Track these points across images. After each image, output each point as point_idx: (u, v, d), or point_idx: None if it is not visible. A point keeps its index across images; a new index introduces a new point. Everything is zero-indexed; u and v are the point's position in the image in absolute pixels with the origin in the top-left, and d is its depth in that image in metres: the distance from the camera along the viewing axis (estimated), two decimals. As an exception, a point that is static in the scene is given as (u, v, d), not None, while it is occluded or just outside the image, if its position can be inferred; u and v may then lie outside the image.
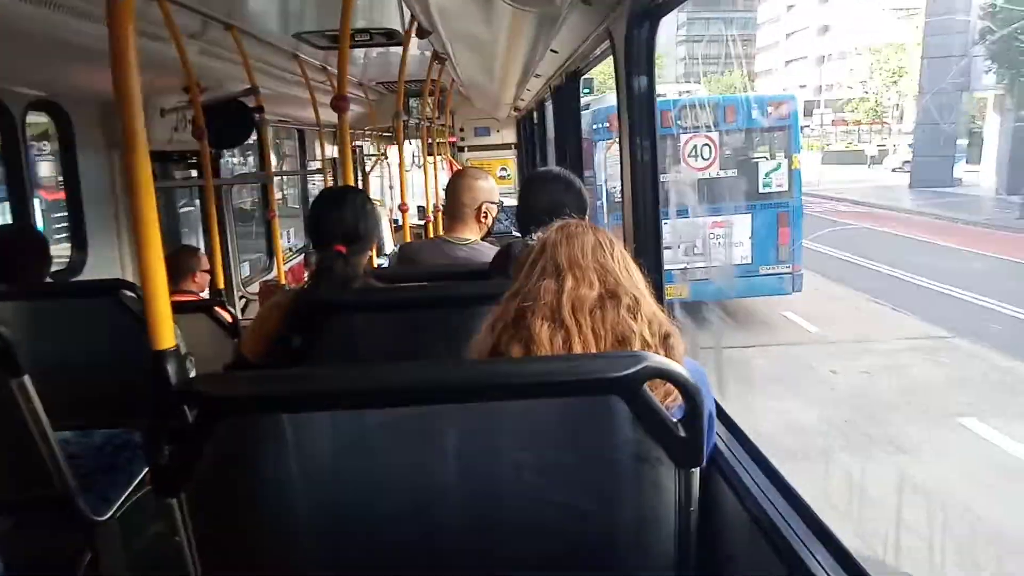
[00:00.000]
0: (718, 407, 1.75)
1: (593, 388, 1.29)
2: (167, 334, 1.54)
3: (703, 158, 10.41)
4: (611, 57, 3.34)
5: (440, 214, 4.41)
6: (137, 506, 2.64)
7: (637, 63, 2.13)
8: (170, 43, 3.30)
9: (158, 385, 1.53)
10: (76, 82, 3.60)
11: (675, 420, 1.30)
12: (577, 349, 1.44)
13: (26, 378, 2.18)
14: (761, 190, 10.31)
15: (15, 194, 3.59)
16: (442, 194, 3.66)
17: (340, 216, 2.24)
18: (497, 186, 3.02)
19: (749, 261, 10.26)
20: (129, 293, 2.68)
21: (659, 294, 1.68)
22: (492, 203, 2.88)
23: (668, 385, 1.38)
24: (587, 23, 2.50)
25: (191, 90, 3.73)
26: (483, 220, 2.86)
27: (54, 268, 3.71)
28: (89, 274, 3.94)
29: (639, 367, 1.24)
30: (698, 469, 1.33)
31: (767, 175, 10.32)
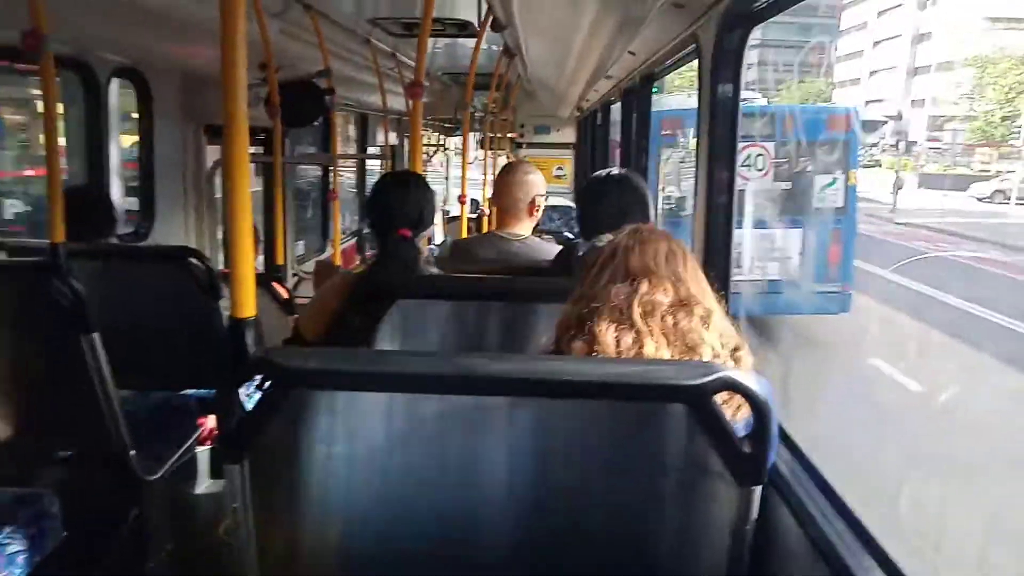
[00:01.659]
0: (779, 425, 1.71)
1: (661, 394, 1.26)
2: (249, 303, 1.57)
3: (756, 168, 10.07)
4: (684, 62, 3.33)
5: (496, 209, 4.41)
6: (184, 468, 2.70)
7: (724, 71, 2.09)
8: (252, 20, 3.36)
9: (236, 352, 1.56)
10: (160, 52, 3.70)
11: (741, 435, 1.27)
12: (648, 350, 1.42)
13: (95, 335, 2.25)
14: (816, 205, 10.08)
15: (94, 159, 3.69)
16: None
17: (405, 200, 2.27)
18: (550, 184, 3.00)
19: (798, 278, 10.01)
20: (196, 261, 2.74)
21: (727, 302, 1.65)
22: (542, 196, 2.87)
23: (734, 399, 1.36)
24: (673, 26, 2.46)
25: (268, 68, 3.79)
26: (534, 214, 2.85)
27: (122, 231, 3.83)
28: (153, 240, 4.04)
29: (711, 377, 1.21)
30: (759, 487, 1.30)
31: (822, 190, 10.03)
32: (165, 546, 2.72)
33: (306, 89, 4.34)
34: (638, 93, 3.92)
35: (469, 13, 4.29)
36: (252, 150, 4.94)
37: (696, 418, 1.24)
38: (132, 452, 2.40)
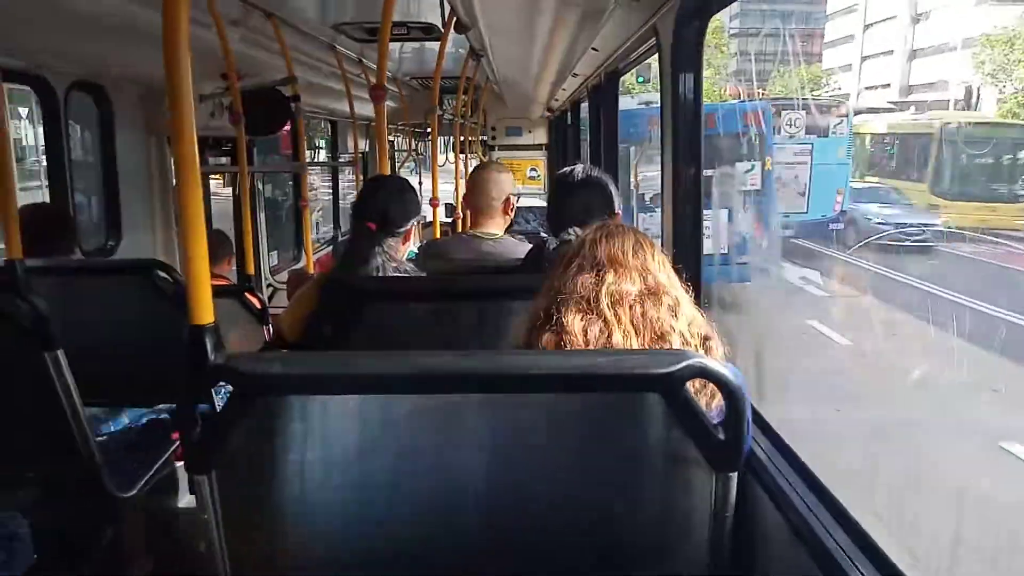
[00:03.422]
0: (754, 411, 1.72)
1: (633, 384, 1.26)
2: (206, 309, 1.55)
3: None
4: (646, 56, 3.34)
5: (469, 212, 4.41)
6: (160, 485, 2.66)
7: (684, 63, 2.10)
8: (212, 29, 3.32)
9: (194, 360, 1.53)
10: (120, 65, 3.64)
11: (715, 422, 1.27)
12: (617, 339, 1.42)
13: (60, 352, 2.20)
14: (738, 188, 12.13)
15: (55, 173, 3.63)
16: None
17: (376, 197, 2.33)
18: (524, 185, 3.02)
19: (726, 251, 11.78)
20: (163, 274, 2.70)
21: (697, 299, 1.66)
22: (515, 195, 2.89)
23: (707, 388, 1.36)
24: (632, 20, 2.47)
25: (230, 77, 3.75)
26: (508, 214, 2.86)
27: (89, 247, 3.77)
28: (122, 255, 3.98)
29: (682, 365, 1.21)
30: (735, 473, 1.30)
31: (743, 175, 12.15)
32: (144, 565, 2.67)
33: (270, 97, 4.29)
34: (604, 90, 3.94)
35: (433, 16, 4.27)
36: (219, 160, 4.93)
37: (669, 407, 1.25)
38: (104, 470, 2.36)
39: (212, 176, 5.87)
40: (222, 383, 1.28)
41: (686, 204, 2.21)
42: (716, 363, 1.25)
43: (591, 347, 1.43)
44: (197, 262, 1.51)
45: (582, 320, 1.44)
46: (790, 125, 13.70)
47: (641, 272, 1.49)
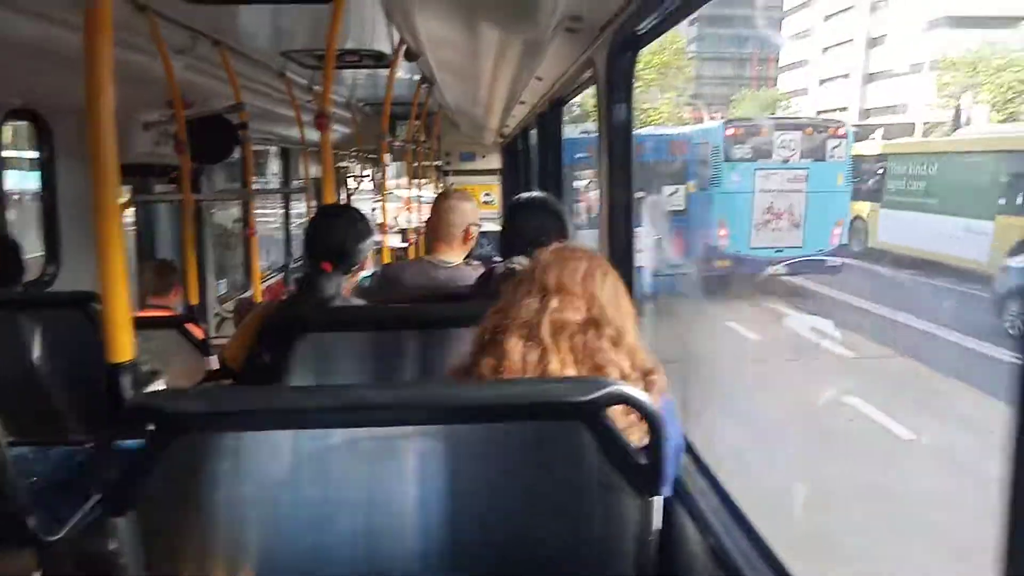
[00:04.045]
0: (686, 440, 1.74)
1: (555, 412, 1.27)
2: (125, 346, 1.51)
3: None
4: (587, 86, 3.41)
5: (422, 237, 4.41)
6: (90, 527, 2.56)
7: (617, 92, 2.16)
8: (156, 57, 3.28)
9: (112, 399, 1.49)
10: (57, 92, 3.57)
11: (637, 448, 1.28)
12: (554, 367, 1.42)
13: None
14: (665, 209, 12.99)
15: (-10, 202, 3.53)
16: (425, 217, 3.66)
17: (329, 233, 2.28)
18: (483, 210, 3.03)
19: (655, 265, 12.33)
20: (98, 306, 2.63)
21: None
22: (476, 225, 2.89)
23: (633, 415, 1.37)
24: (571, 51, 2.53)
25: (175, 104, 3.71)
26: (468, 242, 2.86)
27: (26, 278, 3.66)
28: (61, 287, 3.87)
29: (601, 392, 1.23)
30: (660, 498, 1.31)
31: (668, 197, 13.20)
32: None
33: (217, 125, 4.25)
34: (549, 117, 4.00)
35: (384, 44, 4.30)
36: (164, 188, 4.84)
37: (591, 433, 1.26)
38: (30, 511, 2.27)
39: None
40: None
41: (620, 223, 2.26)
42: (634, 390, 1.27)
43: (528, 373, 1.43)
44: (115, 299, 1.48)
45: (522, 345, 1.44)
46: (783, 147, 12.62)
47: (587, 300, 1.48)
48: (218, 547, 1.33)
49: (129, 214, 4.55)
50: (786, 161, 12.61)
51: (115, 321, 1.49)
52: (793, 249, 12.58)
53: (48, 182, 3.88)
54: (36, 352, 2.68)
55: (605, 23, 2.05)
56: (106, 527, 2.69)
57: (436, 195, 3.18)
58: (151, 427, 1.21)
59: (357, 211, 2.48)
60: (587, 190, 12.21)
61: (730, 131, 12.78)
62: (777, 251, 12.64)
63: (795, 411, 7.83)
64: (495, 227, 8.96)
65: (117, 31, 1.49)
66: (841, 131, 12.81)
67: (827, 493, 5.69)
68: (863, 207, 15.32)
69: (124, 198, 4.27)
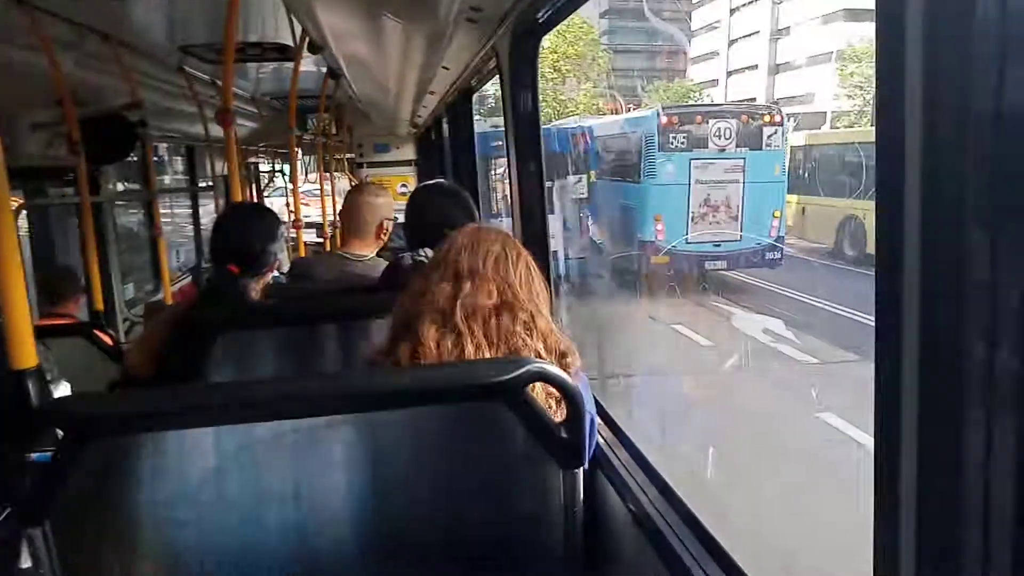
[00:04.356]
0: (602, 410, 1.82)
1: (477, 393, 1.32)
2: (28, 353, 1.46)
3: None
4: (492, 75, 3.44)
5: (337, 231, 4.36)
6: (5, 543, 2.45)
7: (522, 80, 2.20)
8: (40, 53, 3.12)
9: (18, 407, 1.45)
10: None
11: (557, 423, 1.35)
12: (469, 352, 1.45)
13: None
14: (571, 197, 13.30)
15: None
16: (339, 211, 3.62)
17: (234, 234, 2.21)
18: (395, 202, 3.02)
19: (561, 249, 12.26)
20: None
21: (551, 296, 1.73)
22: (390, 219, 2.89)
23: (552, 397, 1.43)
24: (474, 41, 2.56)
25: (64, 103, 3.54)
26: (381, 237, 2.86)
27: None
28: None
29: (520, 371, 1.28)
30: (582, 470, 1.38)
31: (573, 186, 13.47)
32: None
33: (112, 123, 4.08)
34: (459, 107, 4.02)
35: (287, 36, 4.21)
36: (62, 190, 4.61)
37: (514, 411, 1.31)
38: None
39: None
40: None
41: (532, 209, 2.31)
42: (551, 367, 1.33)
43: (444, 359, 1.45)
44: (14, 304, 1.43)
45: (436, 331, 1.45)
46: (719, 136, 11.89)
47: (499, 284, 1.50)
48: (142, 551, 1.32)
49: (23, 219, 4.31)
50: (722, 150, 11.99)
51: (15, 327, 1.44)
52: (731, 243, 12.00)
53: None
54: None
55: (504, 13, 2.08)
56: (14, 544, 2.59)
57: (349, 188, 3.14)
58: (62, 434, 1.20)
59: (266, 208, 2.42)
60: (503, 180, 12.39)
61: (664, 119, 12.05)
62: (715, 245, 12.03)
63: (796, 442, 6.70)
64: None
65: None
66: (777, 118, 12.20)
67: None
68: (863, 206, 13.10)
69: (15, 203, 4.04)
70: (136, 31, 3.88)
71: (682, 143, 12.00)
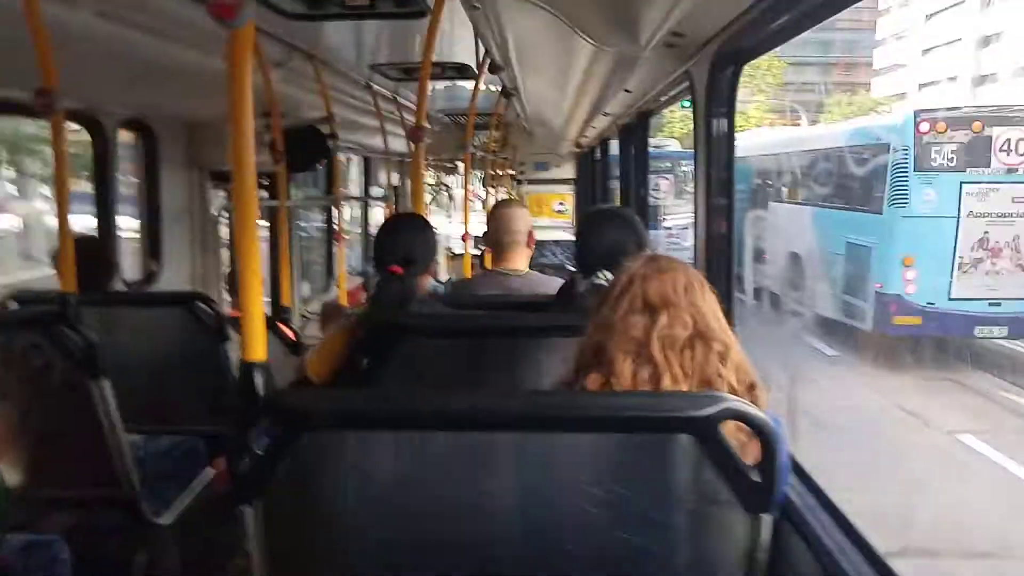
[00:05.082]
0: (792, 458, 1.72)
1: (669, 426, 1.28)
2: (260, 346, 1.59)
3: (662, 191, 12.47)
4: (678, 99, 3.39)
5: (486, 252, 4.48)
6: (195, 512, 2.70)
7: (717, 107, 2.14)
8: (256, 70, 3.44)
9: (246, 395, 1.58)
10: (166, 104, 3.78)
11: (749, 465, 1.28)
12: (666, 384, 1.42)
13: (105, 381, 2.27)
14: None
15: (103, 206, 3.76)
16: None
17: (397, 239, 2.35)
18: (554, 219, 3.06)
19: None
20: (203, 306, 2.77)
21: (730, 324, 1.66)
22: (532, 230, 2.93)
23: (742, 433, 1.36)
24: (667, 65, 2.52)
25: (273, 115, 3.87)
26: (530, 247, 2.89)
27: (131, 278, 3.88)
28: (162, 286, 4.09)
29: (718, 408, 1.24)
30: (770, 516, 1.30)
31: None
32: None
33: (309, 134, 4.42)
34: (635, 129, 4.00)
35: (467, 56, 4.39)
36: (259, 194, 5.04)
37: (704, 448, 1.26)
38: (141, 496, 2.41)
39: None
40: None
41: (718, 237, 2.24)
42: (751, 407, 1.27)
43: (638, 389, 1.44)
44: (252, 300, 1.57)
45: (632, 363, 1.43)
46: (1008, 150, 8.47)
47: (693, 314, 1.47)
48: (327, 538, 1.39)
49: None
50: (1012, 170, 8.51)
51: (251, 322, 1.58)
52: (1018, 301, 8.47)
53: (153, 189, 4.11)
54: (143, 347, 2.84)
55: (708, 38, 2.04)
56: (207, 515, 2.85)
57: (492, 207, 3.21)
58: (280, 423, 1.29)
59: (424, 219, 2.54)
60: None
61: (926, 125, 8.61)
62: (993, 304, 8.54)
63: None
64: (567, 236, 9.02)
65: (222, 46, 1.59)
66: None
67: None
68: None
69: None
70: (334, 51, 4.19)
71: (950, 160, 8.57)
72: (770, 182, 12.75)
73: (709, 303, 1.50)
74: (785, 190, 12.15)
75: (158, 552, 2.55)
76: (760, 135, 16.00)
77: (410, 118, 5.15)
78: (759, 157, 12.82)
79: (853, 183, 9.73)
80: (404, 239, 2.33)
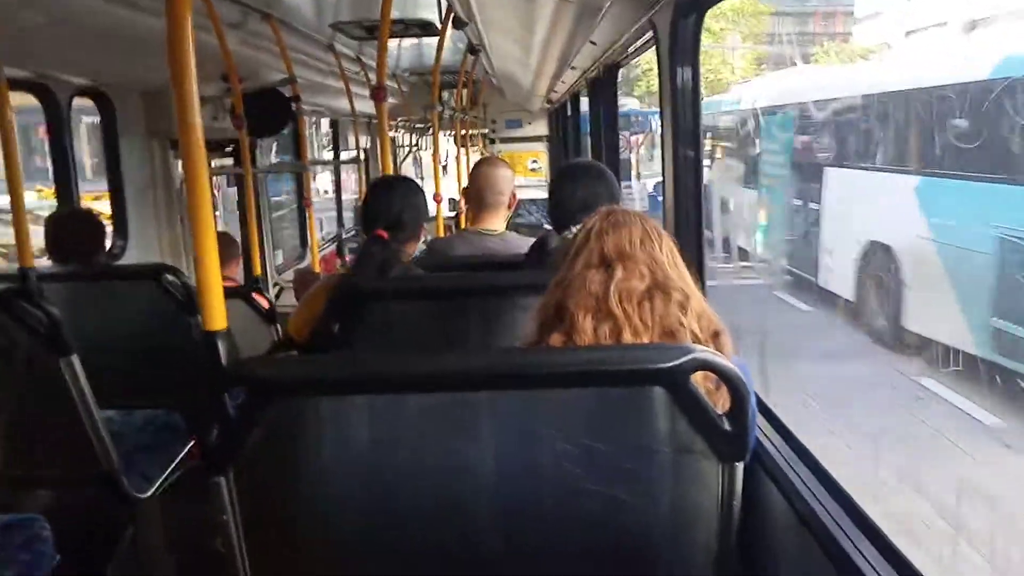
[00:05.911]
0: (760, 402, 1.74)
1: (639, 378, 1.29)
2: (219, 316, 1.57)
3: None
4: (644, 49, 3.34)
5: (465, 208, 4.44)
6: (175, 486, 2.70)
7: (682, 56, 2.11)
8: (211, 33, 3.34)
9: (210, 366, 1.56)
10: (122, 71, 3.67)
11: (719, 414, 1.30)
12: (627, 338, 1.42)
13: (74, 357, 2.24)
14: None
15: (61, 179, 3.67)
16: None
17: (384, 203, 2.31)
18: (528, 178, 3.03)
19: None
20: (171, 277, 2.73)
21: (701, 281, 1.67)
22: (515, 191, 2.90)
23: (709, 381, 1.38)
24: (630, 14, 2.48)
25: (231, 79, 3.77)
26: (511, 209, 2.87)
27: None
28: (129, 259, 4.02)
29: (686, 358, 1.24)
30: (742, 464, 1.33)
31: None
32: (166, 565, 2.72)
33: (271, 98, 4.32)
34: (603, 83, 3.95)
35: (430, 12, 4.29)
36: (222, 162, 4.95)
37: (675, 399, 1.28)
38: (121, 471, 2.40)
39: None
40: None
41: (687, 191, 2.22)
42: (719, 356, 1.28)
43: (601, 345, 1.44)
44: (208, 268, 1.54)
45: (592, 319, 1.43)
46: None
47: (649, 265, 1.46)
48: (303, 506, 1.40)
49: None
50: None
51: (209, 292, 1.56)
52: None
53: (113, 160, 4.01)
54: (112, 322, 2.80)
55: (668, -16, 2.01)
56: (188, 487, 2.85)
57: (475, 164, 3.17)
58: (247, 392, 1.28)
59: (413, 182, 2.51)
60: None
61: None
62: None
63: None
64: (542, 194, 8.97)
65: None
66: None
67: None
68: None
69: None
70: (292, 10, 4.07)
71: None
72: (822, 140, 8.46)
73: (667, 253, 1.50)
74: (853, 150, 7.74)
75: (143, 527, 2.56)
76: (796, 76, 11.91)
77: (375, 78, 5.05)
78: (798, 106, 8.91)
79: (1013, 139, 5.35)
80: (391, 203, 2.29)
